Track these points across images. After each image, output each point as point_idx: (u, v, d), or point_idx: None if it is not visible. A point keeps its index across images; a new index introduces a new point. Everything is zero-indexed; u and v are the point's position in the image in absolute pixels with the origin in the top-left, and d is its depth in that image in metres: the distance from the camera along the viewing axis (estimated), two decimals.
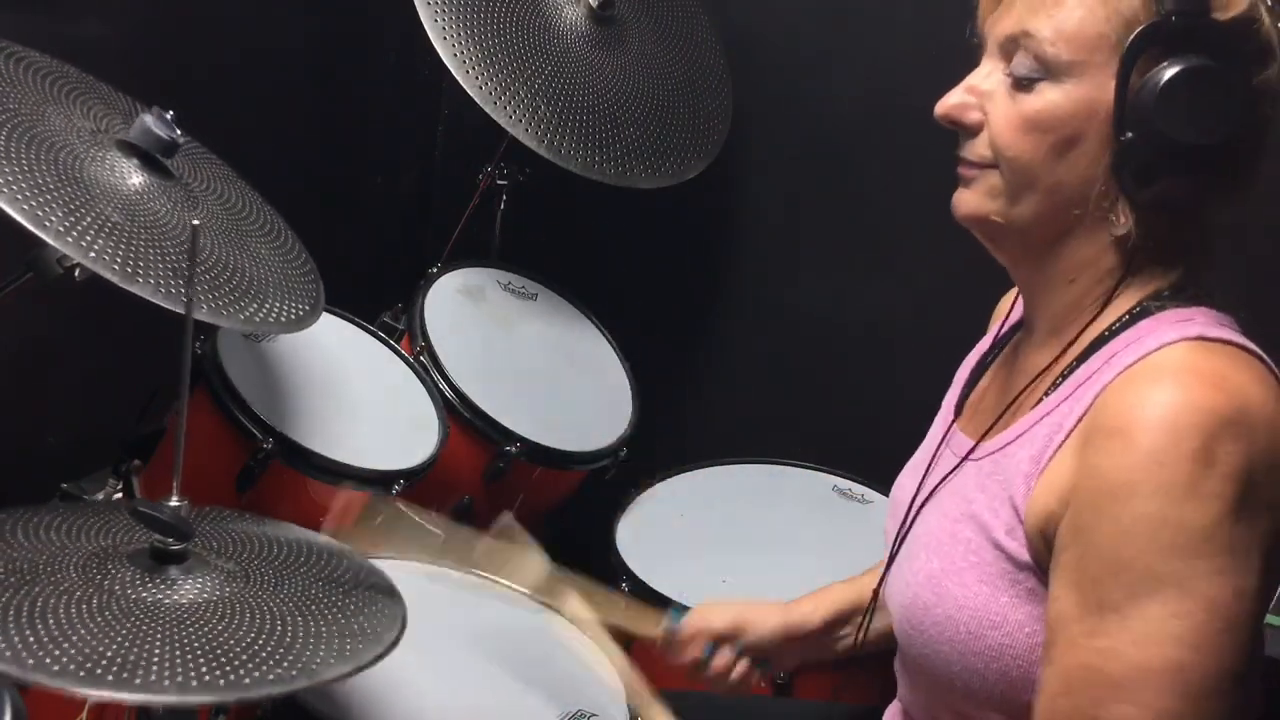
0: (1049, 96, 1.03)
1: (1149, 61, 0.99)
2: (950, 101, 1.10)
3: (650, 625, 1.44)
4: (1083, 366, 1.07)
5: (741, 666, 1.41)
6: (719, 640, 1.41)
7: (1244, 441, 0.94)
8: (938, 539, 1.12)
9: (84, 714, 1.35)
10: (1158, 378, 0.98)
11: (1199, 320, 1.03)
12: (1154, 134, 0.99)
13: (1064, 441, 1.03)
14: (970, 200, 1.10)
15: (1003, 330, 1.28)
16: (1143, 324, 1.05)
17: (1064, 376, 1.08)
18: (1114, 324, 1.07)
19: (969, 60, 1.13)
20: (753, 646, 1.41)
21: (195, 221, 1.11)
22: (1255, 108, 1.01)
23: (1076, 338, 1.09)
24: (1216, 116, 0.99)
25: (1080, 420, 1.02)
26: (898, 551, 1.21)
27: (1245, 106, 1.00)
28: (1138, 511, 0.94)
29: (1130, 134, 1.00)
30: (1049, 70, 1.03)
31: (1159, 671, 0.93)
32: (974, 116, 1.08)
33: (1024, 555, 1.04)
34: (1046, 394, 1.09)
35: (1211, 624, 0.93)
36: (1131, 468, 0.95)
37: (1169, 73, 0.98)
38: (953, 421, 1.24)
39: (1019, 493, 1.04)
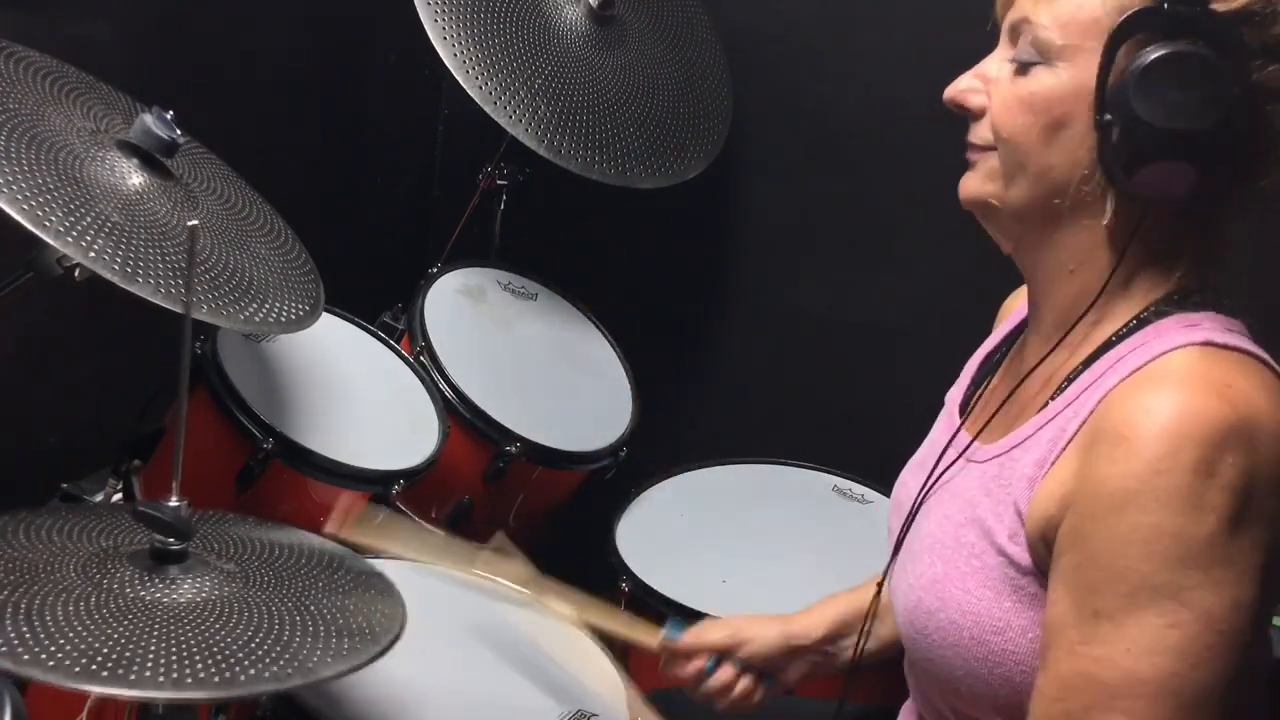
0: (1043, 79, 1.05)
1: (1136, 45, 0.99)
2: (958, 86, 1.12)
3: (648, 636, 1.43)
4: (1088, 371, 1.06)
5: (745, 681, 1.40)
6: (720, 655, 1.40)
7: (1246, 453, 0.93)
8: (942, 543, 1.12)
9: (84, 714, 1.35)
10: (1162, 385, 0.97)
11: (1206, 325, 1.02)
12: (1130, 117, 0.98)
13: (1066, 446, 1.02)
14: (971, 183, 1.12)
15: (1010, 329, 1.28)
16: (1149, 329, 1.05)
17: (1069, 381, 1.08)
18: (1121, 329, 1.06)
19: (968, 60, 1.14)
20: (754, 660, 1.40)
21: (193, 222, 1.11)
22: (1252, 102, 1.00)
23: (1081, 342, 1.08)
24: (1196, 104, 0.97)
25: (1083, 425, 1.01)
26: (899, 550, 1.21)
27: (1237, 99, 0.98)
28: (1136, 521, 0.93)
29: (1108, 115, 1.00)
30: (1044, 54, 1.05)
31: (1151, 681, 0.93)
32: (977, 101, 1.11)
33: (1026, 560, 1.03)
34: (1052, 398, 1.08)
35: (1205, 635, 0.93)
36: (1131, 476, 0.94)
37: (1151, 56, 0.98)
38: (961, 422, 1.24)
39: (1022, 497, 1.04)
